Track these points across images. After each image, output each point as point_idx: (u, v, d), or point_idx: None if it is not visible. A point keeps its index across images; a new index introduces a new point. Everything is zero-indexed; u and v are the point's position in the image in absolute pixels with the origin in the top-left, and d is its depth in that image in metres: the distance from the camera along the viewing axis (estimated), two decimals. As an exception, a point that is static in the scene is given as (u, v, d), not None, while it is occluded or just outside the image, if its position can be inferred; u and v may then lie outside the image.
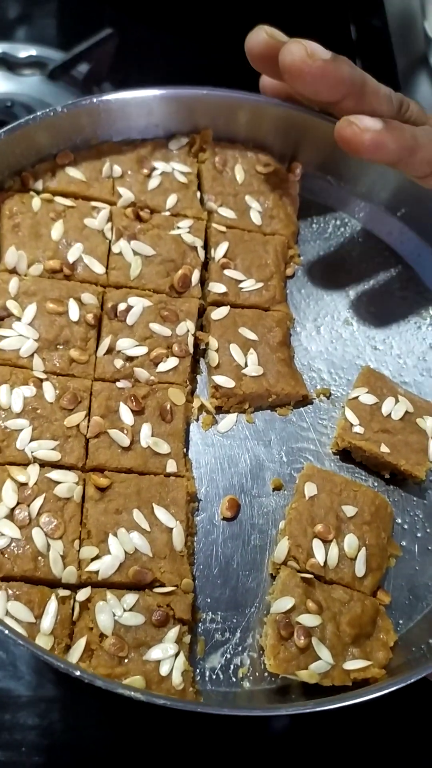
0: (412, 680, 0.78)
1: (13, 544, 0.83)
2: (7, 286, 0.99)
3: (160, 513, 0.88)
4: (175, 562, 0.86)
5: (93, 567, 0.83)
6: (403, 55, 1.22)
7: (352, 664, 0.82)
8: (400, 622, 0.92)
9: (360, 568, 0.89)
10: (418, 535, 0.98)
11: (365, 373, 1.05)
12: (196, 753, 0.82)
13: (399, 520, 0.98)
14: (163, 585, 0.84)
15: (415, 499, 1.00)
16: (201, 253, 1.09)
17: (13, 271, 1.02)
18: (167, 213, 1.12)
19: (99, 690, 0.69)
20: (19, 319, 0.97)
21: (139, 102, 1.13)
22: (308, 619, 0.83)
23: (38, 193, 1.09)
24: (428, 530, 0.98)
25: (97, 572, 0.83)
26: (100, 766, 0.85)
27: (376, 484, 1.01)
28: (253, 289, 1.08)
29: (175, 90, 1.13)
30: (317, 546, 0.89)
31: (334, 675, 0.82)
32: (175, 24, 1.09)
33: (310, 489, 0.93)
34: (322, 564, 0.88)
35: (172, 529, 0.88)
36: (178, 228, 1.10)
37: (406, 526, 0.98)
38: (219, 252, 1.10)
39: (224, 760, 0.93)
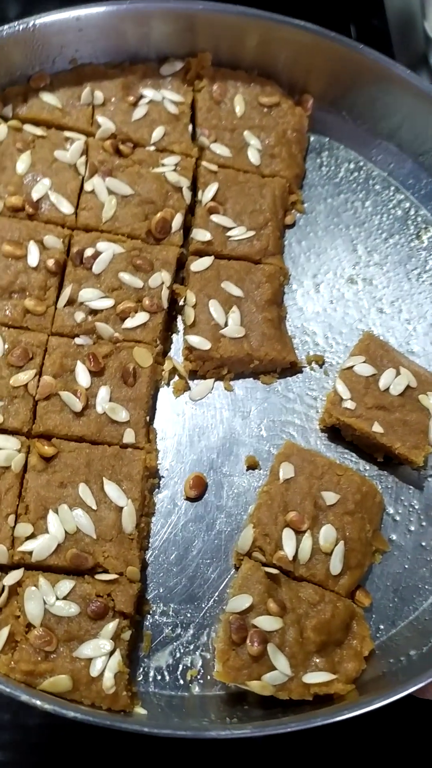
0: (383, 703, 0.67)
1: None
2: (-41, 223, 0.88)
3: (111, 489, 0.78)
4: (122, 546, 0.75)
5: (27, 546, 0.74)
6: (403, 55, 1.15)
7: (313, 677, 0.71)
8: (381, 627, 0.81)
9: (336, 565, 0.77)
10: (411, 528, 0.85)
11: (365, 339, 0.91)
12: (196, 753, 0.75)
13: (390, 511, 0.86)
14: (105, 571, 0.74)
15: (410, 487, 0.87)
16: (187, 194, 0.96)
17: (-31, 207, 0.90)
18: (152, 148, 0.98)
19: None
20: (-31, 261, 0.86)
21: (129, 17, 0.98)
22: (266, 622, 0.72)
23: (6, 120, 0.97)
24: (423, 524, 0.86)
25: (31, 553, 0.74)
26: (99, 766, 0.82)
27: (367, 468, 0.88)
28: (243, 238, 0.95)
29: (171, 4, 0.98)
30: (288, 536, 0.78)
31: (291, 688, 0.71)
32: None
33: (286, 470, 0.81)
34: (291, 558, 0.77)
35: (122, 508, 0.77)
36: (163, 165, 0.97)
37: (397, 518, 0.86)
38: (207, 194, 0.96)
39: (223, 760, 0.84)
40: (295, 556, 0.77)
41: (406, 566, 0.83)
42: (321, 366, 0.93)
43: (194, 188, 0.98)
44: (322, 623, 0.74)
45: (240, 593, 0.74)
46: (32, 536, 0.74)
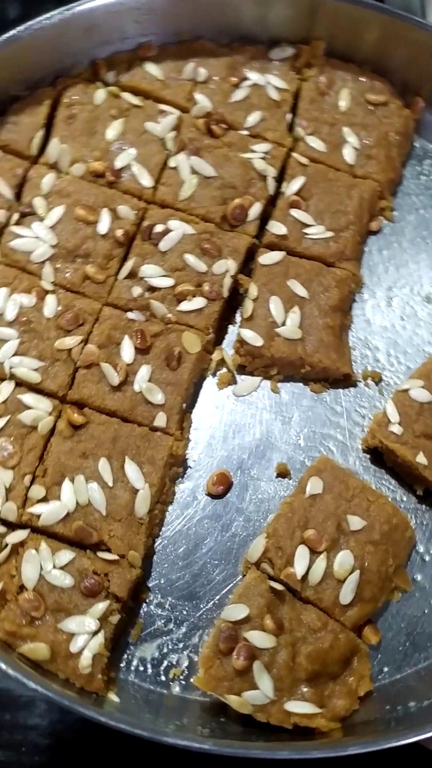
0: (360, 751, 0.62)
1: None
2: (40, 181, 0.89)
3: (131, 469, 0.76)
4: (130, 528, 0.74)
5: (37, 509, 0.73)
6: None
7: (296, 706, 0.67)
8: (385, 669, 0.75)
9: (347, 594, 0.72)
10: (441, 572, 0.79)
11: (430, 363, 0.85)
12: (196, 754, 0.74)
13: (421, 549, 0.80)
14: (108, 551, 0.73)
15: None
16: (271, 184, 0.92)
17: (54, 167, 0.91)
18: (245, 132, 0.95)
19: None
20: (41, 219, 0.87)
21: None
22: (259, 638, 0.69)
23: (106, 85, 0.96)
24: (455, 570, 0.79)
25: (39, 516, 0.73)
26: (100, 766, 0.81)
27: (404, 499, 0.82)
28: (321, 237, 0.90)
29: None
30: (301, 554, 0.73)
31: (271, 711, 0.67)
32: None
33: (314, 485, 0.77)
34: (300, 576, 0.73)
35: (138, 490, 0.75)
36: (252, 151, 0.94)
37: (427, 558, 0.80)
38: (292, 187, 0.92)
39: (222, 763, 0.82)
40: (305, 576, 0.73)
41: (426, 611, 0.78)
42: (377, 383, 0.88)
43: (280, 179, 0.94)
44: (318, 652, 0.69)
45: (238, 602, 0.71)
46: (44, 500, 0.74)
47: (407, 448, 0.80)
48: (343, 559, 0.74)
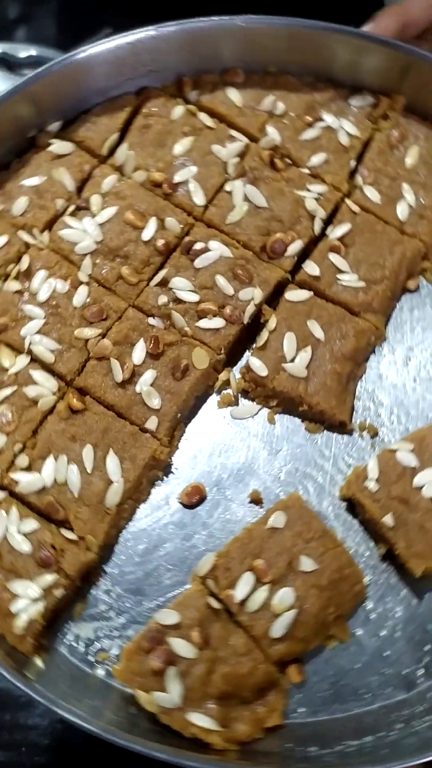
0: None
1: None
2: (102, 180, 0.95)
3: (111, 462, 0.81)
4: (96, 515, 0.79)
5: (18, 476, 0.80)
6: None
7: (198, 718, 0.71)
8: (301, 710, 0.78)
9: (278, 629, 0.75)
10: (381, 633, 0.80)
11: (426, 430, 0.86)
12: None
13: (369, 606, 0.82)
14: (70, 530, 0.78)
15: (402, 594, 0.82)
16: (318, 226, 0.95)
17: (118, 169, 0.97)
18: (306, 170, 0.99)
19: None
20: (93, 216, 0.93)
21: (351, 41, 0.96)
22: (181, 647, 0.72)
23: (187, 102, 1.01)
24: (396, 635, 0.80)
25: (18, 483, 0.79)
26: (100, 766, 0.84)
27: (367, 554, 0.84)
28: (351, 286, 0.93)
29: (399, 44, 0.95)
30: (246, 580, 0.77)
31: (173, 716, 0.71)
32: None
33: (277, 519, 0.80)
34: (239, 600, 0.76)
35: (112, 482, 0.81)
36: (308, 190, 0.97)
37: (372, 616, 0.81)
38: (337, 232, 0.95)
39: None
40: (244, 602, 0.76)
41: (357, 666, 0.79)
42: (372, 437, 0.89)
43: (328, 221, 0.97)
44: (234, 675, 0.72)
45: (174, 609, 0.75)
46: (27, 469, 0.80)
47: (377, 507, 0.81)
48: (285, 595, 0.76)
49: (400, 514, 0.81)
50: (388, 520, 0.80)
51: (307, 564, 0.77)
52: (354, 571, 0.79)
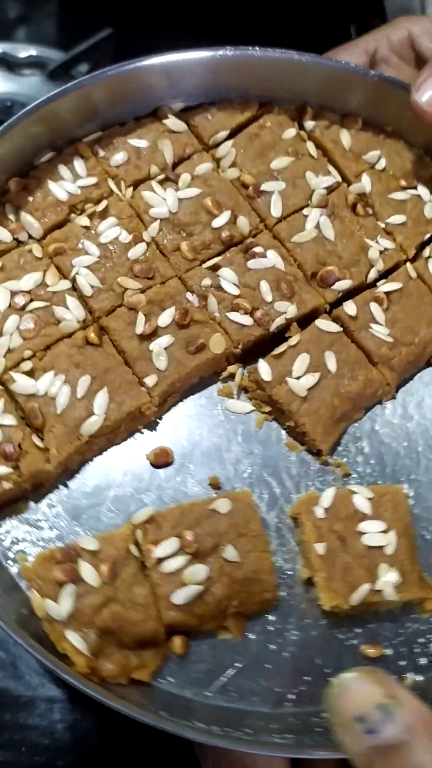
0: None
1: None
2: (198, 164, 1.03)
3: (101, 397, 0.88)
4: (68, 437, 0.86)
5: (17, 376, 0.87)
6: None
7: (73, 638, 0.75)
8: (170, 679, 0.81)
9: (180, 597, 0.79)
10: (271, 647, 0.83)
11: (392, 489, 0.89)
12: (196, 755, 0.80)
13: (271, 618, 0.84)
14: (41, 438, 0.85)
15: (306, 620, 0.84)
16: (372, 275, 1.01)
17: (217, 160, 1.05)
18: (382, 224, 1.04)
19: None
20: (176, 190, 1.01)
21: None
22: (88, 573, 0.78)
23: (301, 128, 1.09)
24: (285, 654, 0.83)
25: (15, 381, 0.87)
26: (99, 766, 0.86)
27: (290, 573, 0.87)
28: (380, 337, 0.97)
29: None
30: (170, 544, 0.81)
31: (54, 627, 0.76)
32: (176, 24, 1.00)
33: (222, 505, 0.84)
34: (156, 558, 0.80)
35: (93, 414, 0.87)
36: (376, 242, 1.02)
37: (270, 628, 0.84)
38: (387, 287, 1.00)
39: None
40: (160, 561, 0.80)
41: (236, 664, 0.82)
42: (343, 477, 0.93)
43: (382, 275, 1.02)
44: (122, 617, 0.77)
45: (97, 539, 0.80)
46: (27, 374, 0.88)
47: (316, 532, 0.84)
48: (198, 570, 0.80)
49: (334, 549, 0.83)
50: (320, 548, 0.83)
51: (230, 554, 0.81)
52: (270, 580, 0.82)
